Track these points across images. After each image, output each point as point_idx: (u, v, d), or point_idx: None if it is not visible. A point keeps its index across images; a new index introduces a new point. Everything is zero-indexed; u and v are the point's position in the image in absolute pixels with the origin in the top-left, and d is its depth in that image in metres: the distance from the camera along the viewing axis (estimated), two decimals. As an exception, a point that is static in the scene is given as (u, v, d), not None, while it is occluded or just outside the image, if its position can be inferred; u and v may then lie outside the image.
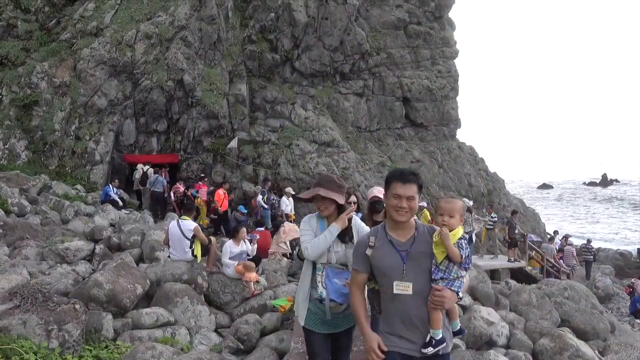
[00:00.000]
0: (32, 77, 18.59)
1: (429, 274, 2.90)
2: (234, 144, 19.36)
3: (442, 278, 2.87)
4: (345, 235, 3.66)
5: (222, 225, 15.69)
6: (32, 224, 11.26)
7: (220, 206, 15.46)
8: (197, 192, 16.42)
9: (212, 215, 15.89)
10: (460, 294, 2.93)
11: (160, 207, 16.82)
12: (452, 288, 2.88)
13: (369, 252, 2.98)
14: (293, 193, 15.86)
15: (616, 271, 23.73)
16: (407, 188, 2.92)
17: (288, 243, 11.44)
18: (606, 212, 58.74)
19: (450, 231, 2.90)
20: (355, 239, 3.64)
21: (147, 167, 17.77)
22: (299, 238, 4.62)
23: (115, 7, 20.76)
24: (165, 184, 16.98)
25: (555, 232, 24.64)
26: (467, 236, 2.96)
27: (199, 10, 20.35)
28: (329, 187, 3.62)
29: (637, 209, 59.76)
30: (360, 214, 6.27)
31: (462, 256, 2.86)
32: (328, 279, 3.56)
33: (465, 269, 2.93)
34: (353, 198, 6.05)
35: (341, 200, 3.64)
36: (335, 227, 3.60)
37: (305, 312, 3.67)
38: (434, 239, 2.93)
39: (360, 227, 3.77)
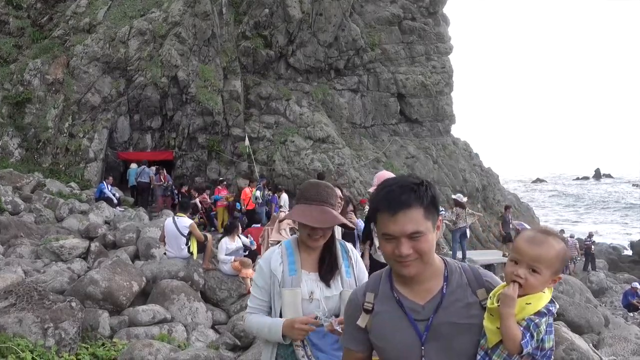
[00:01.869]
0: (24, 74, 18.44)
1: None
2: (247, 142, 19.26)
3: None
4: (330, 276, 2.29)
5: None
6: (26, 222, 11.20)
7: (247, 205, 15.14)
8: (218, 196, 16.09)
9: (237, 214, 15.36)
10: None
11: (144, 198, 17.21)
12: None
13: (362, 322, 1.68)
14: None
15: (609, 265, 23.93)
16: (403, 219, 1.56)
17: (288, 230, 11.09)
18: (595, 208, 59.12)
19: (523, 294, 1.54)
20: (350, 275, 2.32)
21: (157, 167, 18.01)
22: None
23: (108, 4, 20.65)
24: (152, 175, 17.15)
25: (561, 232, 24.45)
26: (554, 310, 1.60)
27: (193, 6, 20.24)
28: (329, 202, 2.30)
29: (615, 204, 60.25)
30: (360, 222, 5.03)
31: (522, 346, 1.51)
32: (315, 347, 2.20)
33: None
34: (350, 207, 4.76)
35: (345, 221, 2.36)
36: (277, 340, 2.23)
37: None
38: (489, 304, 1.56)
39: (360, 269, 2.38)
